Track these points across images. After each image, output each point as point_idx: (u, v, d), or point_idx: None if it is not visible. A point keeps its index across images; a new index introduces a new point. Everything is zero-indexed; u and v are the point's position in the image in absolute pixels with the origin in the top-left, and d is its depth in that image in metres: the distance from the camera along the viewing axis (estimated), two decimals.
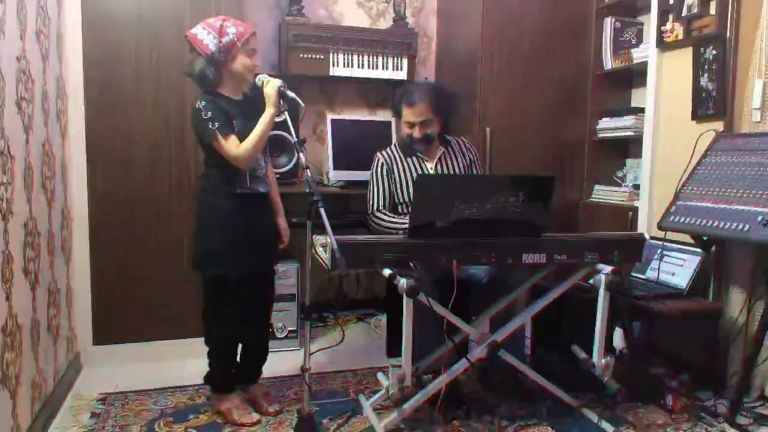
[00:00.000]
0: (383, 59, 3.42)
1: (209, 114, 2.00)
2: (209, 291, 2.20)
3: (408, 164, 2.60)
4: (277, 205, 2.32)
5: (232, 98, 2.11)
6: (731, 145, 2.46)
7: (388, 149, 2.66)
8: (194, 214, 2.22)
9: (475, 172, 2.68)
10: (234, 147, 2.01)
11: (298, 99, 2.03)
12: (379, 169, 2.60)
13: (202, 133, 2.03)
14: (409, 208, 2.48)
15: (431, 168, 2.61)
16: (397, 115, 2.60)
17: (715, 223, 2.27)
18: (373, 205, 2.58)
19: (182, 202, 2.73)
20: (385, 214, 2.55)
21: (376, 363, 2.81)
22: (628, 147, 3.49)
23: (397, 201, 2.59)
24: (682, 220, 2.41)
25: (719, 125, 2.60)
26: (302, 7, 3.30)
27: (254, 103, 2.07)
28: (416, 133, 2.52)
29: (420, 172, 2.58)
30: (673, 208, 2.48)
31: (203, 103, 2.02)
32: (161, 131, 2.70)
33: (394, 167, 2.59)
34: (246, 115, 2.05)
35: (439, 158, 2.62)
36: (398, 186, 2.58)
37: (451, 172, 2.61)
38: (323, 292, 3.61)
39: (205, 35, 2.02)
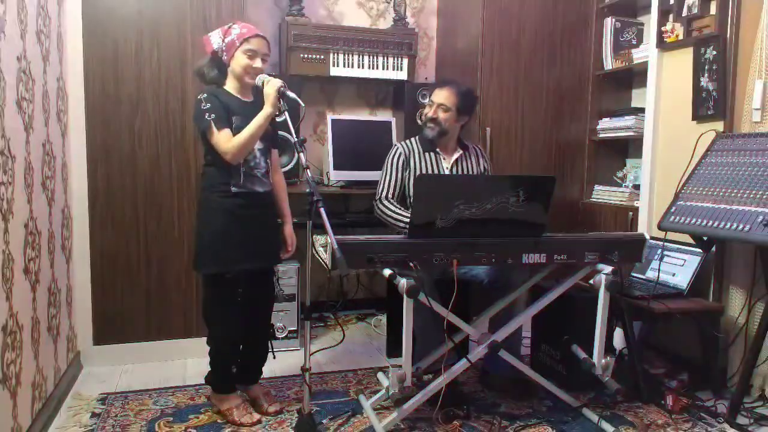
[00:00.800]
0: (383, 59, 3.42)
1: (208, 105, 2.03)
2: (207, 290, 2.21)
3: (426, 159, 2.62)
4: (285, 212, 2.31)
5: (240, 98, 2.13)
6: (731, 145, 2.46)
7: (408, 141, 2.69)
8: (195, 213, 2.23)
9: None
10: (225, 140, 2.02)
11: (298, 99, 2.04)
12: (395, 159, 2.63)
13: (198, 123, 2.06)
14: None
15: (447, 167, 2.64)
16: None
17: (716, 224, 2.27)
18: (381, 192, 2.61)
19: (183, 202, 2.73)
20: (391, 203, 2.56)
21: (376, 363, 2.82)
22: (628, 147, 3.50)
23: (407, 194, 2.60)
24: (682, 220, 2.41)
25: (719, 125, 2.60)
26: (302, 7, 3.30)
27: (260, 106, 2.07)
28: (431, 112, 2.58)
29: (436, 168, 2.61)
30: (673, 208, 2.48)
31: (205, 95, 2.06)
32: (162, 130, 2.70)
33: (412, 160, 2.62)
34: (249, 116, 2.05)
35: (456, 159, 2.66)
36: (412, 179, 2.59)
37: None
38: (323, 292, 3.61)
39: (214, 35, 2.12)
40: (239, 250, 2.10)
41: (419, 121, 3.40)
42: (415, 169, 2.61)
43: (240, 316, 2.19)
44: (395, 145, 2.68)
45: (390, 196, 2.59)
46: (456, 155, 2.66)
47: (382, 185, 2.62)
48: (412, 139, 2.69)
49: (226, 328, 2.18)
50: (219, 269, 2.11)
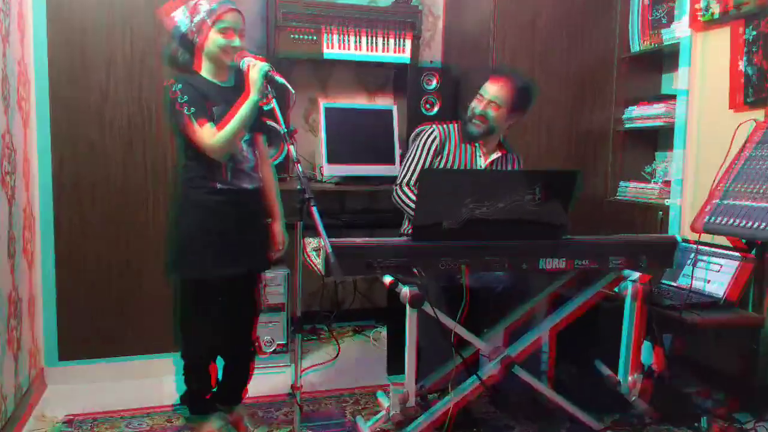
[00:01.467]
0: (383, 40, 3.41)
1: (185, 98, 2.00)
2: (182, 298, 2.19)
3: (462, 150, 2.61)
4: (274, 208, 2.30)
5: (215, 82, 2.10)
6: None
7: (446, 125, 2.66)
8: (170, 211, 2.21)
9: None
10: (208, 136, 2.00)
11: (287, 84, 2.02)
12: (428, 142, 2.61)
13: (175, 117, 2.04)
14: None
15: (483, 165, 2.63)
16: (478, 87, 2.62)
17: (757, 224, 2.26)
18: (404, 177, 2.60)
19: (159, 199, 2.73)
20: (412, 191, 2.55)
21: (375, 381, 2.81)
22: (658, 138, 3.49)
23: None
24: (719, 220, 2.41)
25: (760, 114, 2.59)
26: None
27: (241, 89, 2.06)
28: (480, 106, 2.54)
29: (471, 164, 2.60)
30: (709, 207, 2.48)
31: (180, 85, 2.01)
32: (135, 120, 2.70)
33: (447, 147, 2.60)
34: (229, 101, 2.04)
35: (494, 160, 2.65)
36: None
37: None
38: (316, 301, 3.60)
39: (179, 13, 2.07)
40: (220, 253, 2.09)
41: (423, 110, 3.40)
42: (448, 158, 2.59)
43: (218, 327, 2.17)
44: (431, 125, 2.65)
45: (412, 182, 2.58)
46: (495, 155, 2.65)
47: (406, 169, 2.61)
48: (452, 125, 2.67)
49: (201, 342, 2.17)
50: (196, 274, 2.10)
